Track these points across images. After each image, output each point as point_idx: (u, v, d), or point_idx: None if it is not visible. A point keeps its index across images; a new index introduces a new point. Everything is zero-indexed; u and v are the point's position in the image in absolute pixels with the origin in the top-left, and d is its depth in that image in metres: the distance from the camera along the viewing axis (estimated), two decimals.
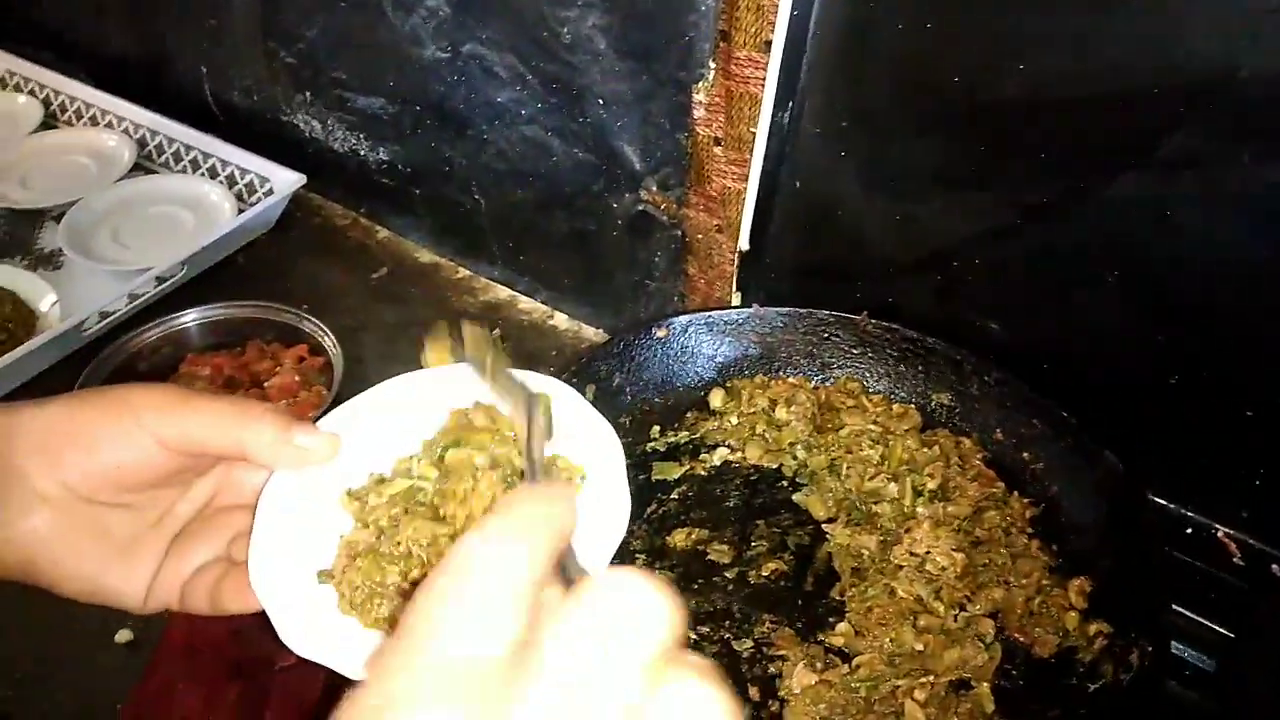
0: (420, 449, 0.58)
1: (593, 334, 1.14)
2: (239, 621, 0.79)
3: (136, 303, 1.08)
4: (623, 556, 0.78)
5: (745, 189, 0.92)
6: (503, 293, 1.20)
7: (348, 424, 0.58)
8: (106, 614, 0.82)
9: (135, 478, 0.52)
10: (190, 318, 1.03)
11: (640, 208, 1.01)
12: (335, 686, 0.37)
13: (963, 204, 0.81)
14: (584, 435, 0.57)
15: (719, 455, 0.85)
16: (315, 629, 0.51)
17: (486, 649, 0.31)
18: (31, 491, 0.50)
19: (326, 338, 1.02)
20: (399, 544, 0.53)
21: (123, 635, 0.81)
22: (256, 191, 1.25)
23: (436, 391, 0.60)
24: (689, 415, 0.88)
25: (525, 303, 1.19)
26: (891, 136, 0.82)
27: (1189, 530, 0.80)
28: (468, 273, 1.22)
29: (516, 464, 0.55)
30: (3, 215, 1.23)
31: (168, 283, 1.11)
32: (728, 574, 0.76)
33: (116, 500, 0.53)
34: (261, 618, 0.77)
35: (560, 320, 1.16)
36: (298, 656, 0.77)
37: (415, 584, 0.52)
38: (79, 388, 0.94)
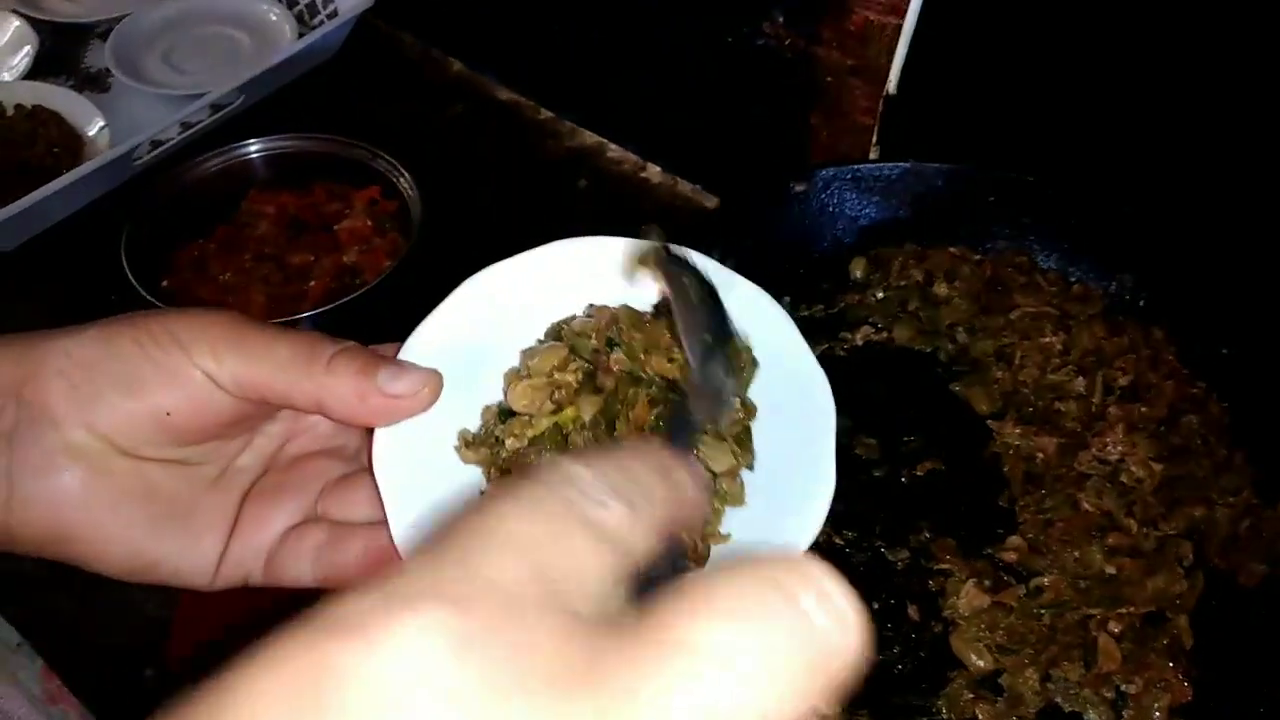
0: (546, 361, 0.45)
1: (689, 189, 1.02)
2: None
3: (189, 131, 0.97)
4: None
5: (896, 23, 0.77)
6: (589, 138, 1.07)
7: (441, 345, 0.45)
8: None
9: (188, 428, 0.41)
10: (254, 149, 0.92)
11: (760, 42, 0.87)
12: None
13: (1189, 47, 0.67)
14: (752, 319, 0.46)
15: (861, 334, 0.73)
16: None
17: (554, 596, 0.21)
18: (60, 442, 0.40)
19: (402, 178, 0.91)
20: None
21: None
22: (319, 13, 1.12)
23: (540, 285, 0.48)
24: (824, 286, 0.76)
25: (615, 151, 1.06)
26: None
27: None
28: (551, 114, 1.10)
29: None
30: (46, 29, 1.10)
31: (223, 111, 1.00)
32: (875, 472, 0.66)
33: (164, 455, 0.42)
34: None
35: (653, 172, 1.04)
36: None
37: None
38: (131, 222, 0.85)
